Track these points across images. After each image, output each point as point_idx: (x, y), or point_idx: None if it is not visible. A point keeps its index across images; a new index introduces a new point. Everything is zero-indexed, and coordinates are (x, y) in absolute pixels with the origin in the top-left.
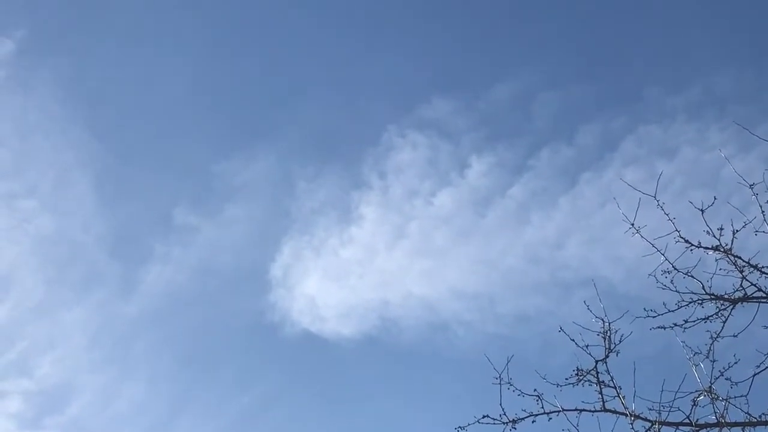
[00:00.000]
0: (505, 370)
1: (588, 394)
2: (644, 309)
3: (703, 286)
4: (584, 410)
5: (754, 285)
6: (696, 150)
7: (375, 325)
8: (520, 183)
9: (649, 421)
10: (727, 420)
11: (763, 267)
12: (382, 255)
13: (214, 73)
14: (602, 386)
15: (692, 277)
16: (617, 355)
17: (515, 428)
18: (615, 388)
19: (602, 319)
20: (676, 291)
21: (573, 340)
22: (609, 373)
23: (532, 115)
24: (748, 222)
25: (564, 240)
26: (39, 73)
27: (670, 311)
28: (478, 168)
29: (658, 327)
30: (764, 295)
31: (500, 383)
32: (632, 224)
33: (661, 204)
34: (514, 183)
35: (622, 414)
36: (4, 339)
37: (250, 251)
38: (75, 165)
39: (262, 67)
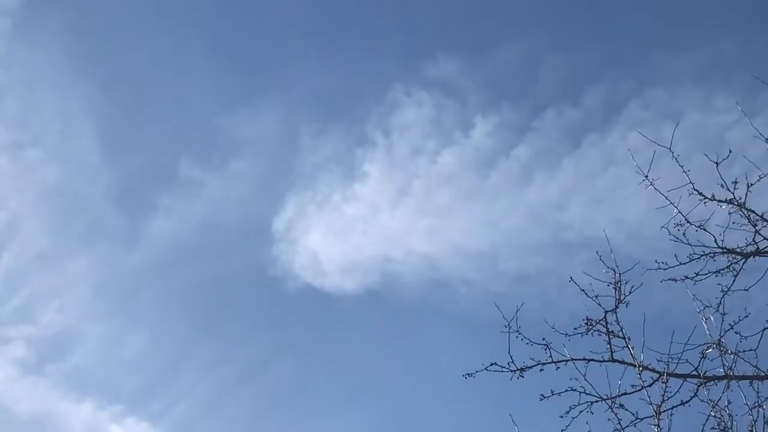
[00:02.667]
0: (514, 319)
1: (596, 345)
2: (655, 261)
3: (715, 240)
4: (592, 360)
5: (767, 239)
6: (702, 114)
7: (377, 281)
8: (524, 144)
9: (657, 372)
10: (736, 373)
11: None
12: (385, 212)
13: (221, 27)
14: (611, 336)
15: (704, 230)
16: (627, 306)
17: (522, 376)
18: (624, 338)
19: (613, 270)
20: (687, 244)
21: (583, 290)
22: (618, 324)
23: (538, 76)
24: (763, 175)
25: (567, 201)
26: (46, 24)
27: (681, 264)
28: (482, 128)
29: (669, 279)
30: None
31: (509, 331)
32: (646, 176)
33: (675, 156)
34: (519, 143)
35: (630, 364)
36: (8, 286)
37: (254, 206)
38: (81, 116)
39: (268, 22)
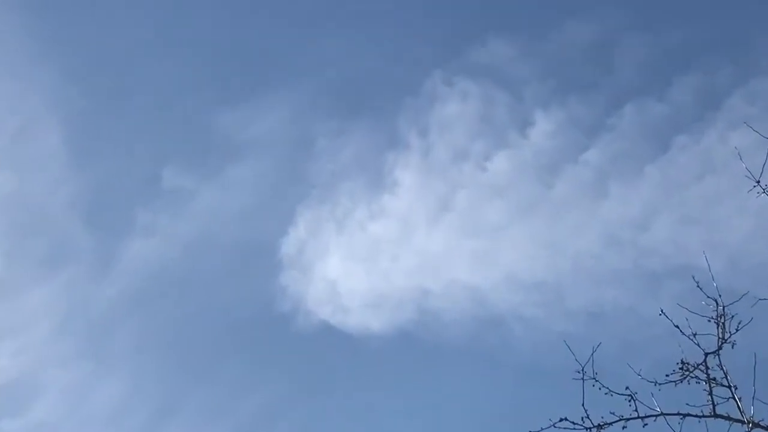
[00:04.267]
0: (590, 363)
1: (694, 395)
2: None
3: None
4: (689, 415)
5: None
6: None
7: (411, 319)
8: (597, 146)
9: None
10: None
11: None
12: (421, 232)
13: (218, 7)
14: (713, 385)
15: None
16: (733, 347)
17: None
18: (729, 387)
19: (715, 301)
20: None
21: (677, 327)
22: (722, 369)
23: (614, 62)
24: None
25: (651, 219)
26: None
27: None
28: (544, 126)
29: None
30: None
31: (582, 378)
32: (758, 181)
33: None
34: (590, 146)
35: (738, 421)
36: None
37: (258, 222)
38: (42, 112)
39: None
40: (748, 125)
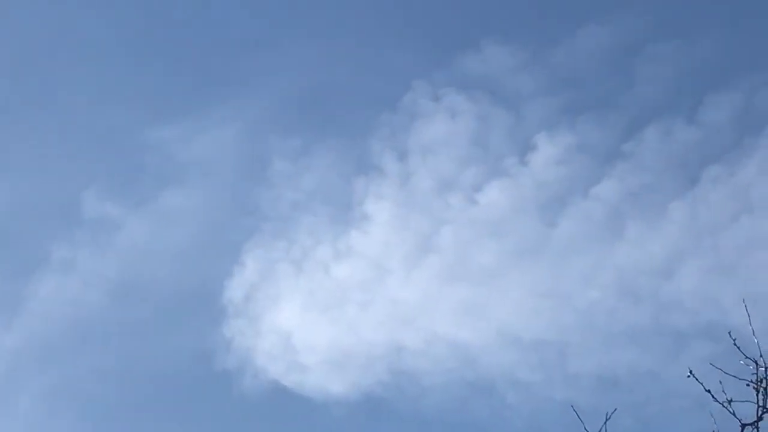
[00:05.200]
0: (603, 430)
1: None
2: None
3: None
4: None
5: None
6: None
7: (382, 381)
8: (612, 177)
9: None
10: None
11: None
12: (396, 276)
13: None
14: None
15: None
16: None
17: None
18: None
19: (755, 362)
20: None
21: (708, 391)
22: None
23: (634, 77)
24: None
25: (675, 266)
26: None
27: None
28: (548, 152)
29: None
30: None
31: None
32: None
33: None
34: (603, 177)
35: None
36: None
37: (197, 261)
38: None
39: None
40: None
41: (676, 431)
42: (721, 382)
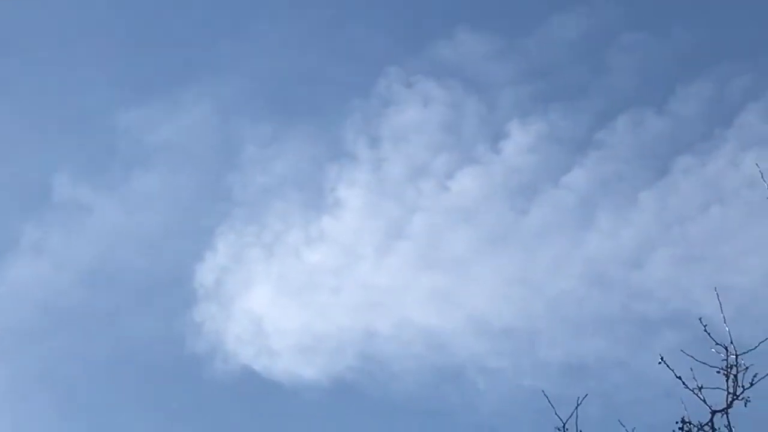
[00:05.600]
0: (573, 417)
1: None
2: None
3: None
4: None
5: None
6: None
7: (353, 366)
8: (584, 166)
9: None
10: None
11: None
12: (368, 262)
13: None
14: None
15: None
16: (746, 404)
17: None
18: None
19: (726, 348)
20: None
21: (679, 378)
22: (731, 431)
23: (607, 66)
24: None
25: (645, 255)
26: None
27: None
28: (520, 139)
29: None
30: None
31: None
32: None
33: None
34: (574, 165)
35: None
36: None
37: (168, 245)
38: None
39: None
40: None
41: (644, 419)
42: (692, 369)
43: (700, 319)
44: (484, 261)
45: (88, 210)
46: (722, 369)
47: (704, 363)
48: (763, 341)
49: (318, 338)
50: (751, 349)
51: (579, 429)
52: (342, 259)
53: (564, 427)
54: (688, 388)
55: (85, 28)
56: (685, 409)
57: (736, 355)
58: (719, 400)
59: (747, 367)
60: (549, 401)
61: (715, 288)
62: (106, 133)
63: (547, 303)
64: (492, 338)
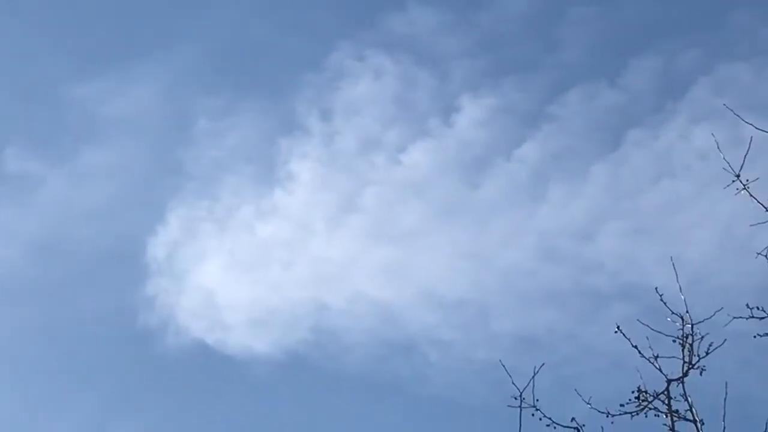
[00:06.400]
0: (530, 386)
1: (653, 430)
2: (747, 306)
3: None
4: None
5: None
6: None
7: (305, 339)
8: (535, 140)
9: None
10: None
11: None
12: (320, 236)
13: None
14: (675, 418)
15: None
16: (701, 374)
17: None
18: (694, 421)
19: (681, 317)
20: None
21: (635, 347)
22: (687, 400)
23: (558, 39)
24: None
25: (596, 228)
26: None
27: None
28: (472, 113)
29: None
30: None
31: (521, 406)
32: (737, 176)
33: None
34: (526, 139)
35: None
36: None
37: (120, 219)
38: None
39: None
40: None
41: (596, 391)
42: (648, 338)
43: (656, 288)
44: (436, 234)
45: (38, 183)
46: (678, 338)
47: (660, 332)
48: (718, 310)
49: (270, 312)
50: (706, 318)
51: (536, 398)
52: (294, 233)
53: (521, 395)
54: (644, 357)
55: (36, 1)
56: (641, 378)
57: (692, 325)
58: (675, 369)
59: (702, 337)
60: (506, 371)
61: (671, 257)
62: (57, 106)
63: (498, 276)
64: (444, 311)
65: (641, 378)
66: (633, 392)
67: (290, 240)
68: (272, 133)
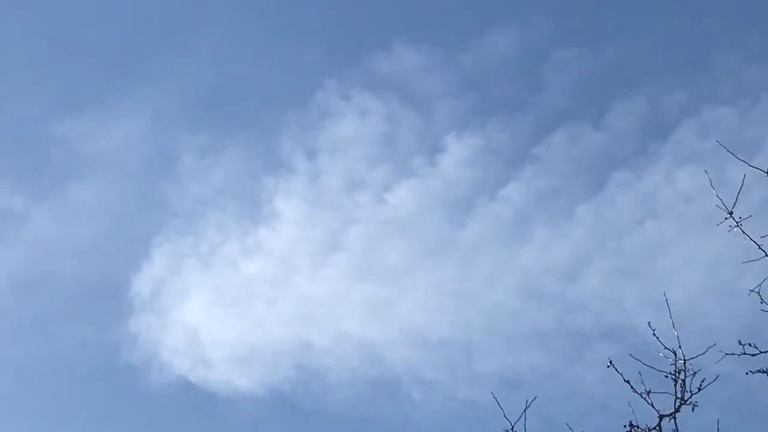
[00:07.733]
0: (522, 419)
1: None
2: (739, 343)
3: None
4: None
5: None
6: None
7: (288, 377)
8: (520, 180)
9: None
10: None
11: None
12: (304, 274)
13: None
14: None
15: None
16: (694, 409)
17: None
18: None
19: (674, 353)
20: None
21: (627, 381)
22: None
23: (543, 81)
24: None
25: (580, 269)
26: None
27: None
28: (457, 153)
29: (760, 371)
30: None
31: None
32: (730, 213)
33: None
34: (511, 180)
35: None
36: None
37: (104, 255)
38: None
39: None
40: (720, 144)
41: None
42: (640, 372)
43: (648, 323)
44: (420, 273)
45: (22, 219)
46: (670, 374)
47: (652, 367)
48: (711, 347)
49: (254, 349)
50: (699, 354)
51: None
52: (278, 271)
53: (512, 428)
54: (636, 392)
55: (19, 36)
56: (633, 413)
57: (684, 360)
58: (667, 404)
59: (695, 372)
60: (498, 404)
61: (664, 293)
62: (41, 142)
63: (482, 315)
64: (427, 350)
65: (633, 413)
66: (625, 426)
67: (274, 278)
68: (257, 170)
